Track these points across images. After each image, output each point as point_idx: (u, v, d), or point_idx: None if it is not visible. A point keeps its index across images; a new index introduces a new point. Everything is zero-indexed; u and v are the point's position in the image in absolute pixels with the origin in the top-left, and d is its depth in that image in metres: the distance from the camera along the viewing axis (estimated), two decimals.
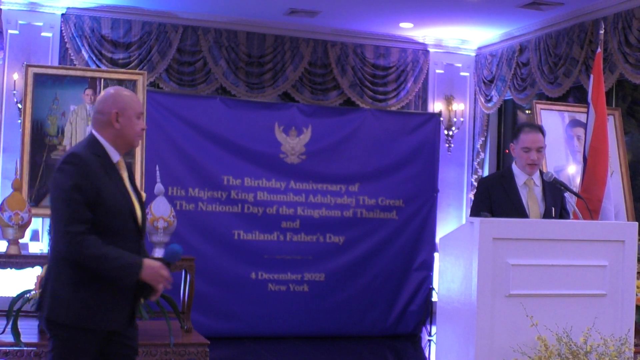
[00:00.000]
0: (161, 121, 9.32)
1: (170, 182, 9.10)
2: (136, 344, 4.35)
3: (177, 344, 6.47)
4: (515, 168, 5.76)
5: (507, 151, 11.58)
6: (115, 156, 4.26)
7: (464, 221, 10.80)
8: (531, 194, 5.69)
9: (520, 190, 5.68)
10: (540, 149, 5.67)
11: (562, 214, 5.78)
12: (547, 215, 5.60)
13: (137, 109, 4.30)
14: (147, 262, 4.11)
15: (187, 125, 9.51)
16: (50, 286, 4.11)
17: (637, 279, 6.17)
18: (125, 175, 4.31)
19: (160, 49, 10.74)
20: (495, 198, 5.66)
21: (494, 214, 5.41)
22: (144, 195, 4.39)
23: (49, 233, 7.69)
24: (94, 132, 4.27)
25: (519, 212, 5.55)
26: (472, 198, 5.92)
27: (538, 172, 5.74)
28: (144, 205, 4.38)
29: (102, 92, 4.39)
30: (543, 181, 5.69)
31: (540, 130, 5.81)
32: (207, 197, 9.54)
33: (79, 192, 4.02)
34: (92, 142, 4.22)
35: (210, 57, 10.95)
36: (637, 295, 6.47)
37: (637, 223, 5.06)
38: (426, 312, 10.34)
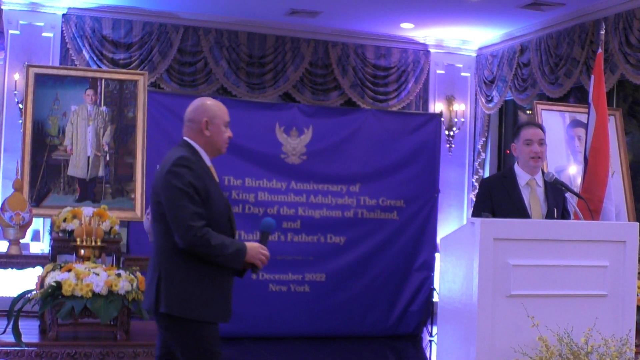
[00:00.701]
0: (162, 121, 9.32)
1: None
2: None
3: None
4: (517, 168, 5.75)
5: (507, 152, 11.59)
6: (207, 161, 4.66)
7: (464, 221, 10.80)
8: (533, 194, 5.67)
9: (522, 191, 5.66)
10: (542, 142, 5.67)
11: (564, 214, 5.76)
12: (549, 215, 5.59)
13: (225, 118, 4.72)
14: (248, 244, 4.58)
15: None
16: (165, 283, 4.45)
17: (638, 279, 6.18)
18: (216, 179, 4.68)
19: (161, 49, 10.75)
20: (497, 198, 5.65)
21: (495, 214, 5.41)
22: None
23: (50, 233, 7.70)
24: (186, 139, 4.68)
25: (521, 212, 5.53)
26: (474, 199, 5.90)
27: (540, 172, 5.73)
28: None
29: (192, 102, 4.88)
30: (545, 182, 5.67)
31: (540, 127, 5.83)
32: None
33: (196, 191, 4.41)
34: (188, 148, 4.62)
35: (211, 58, 10.96)
36: (638, 295, 6.48)
37: (638, 223, 5.05)
38: (427, 312, 10.34)
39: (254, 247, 4.59)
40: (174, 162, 4.46)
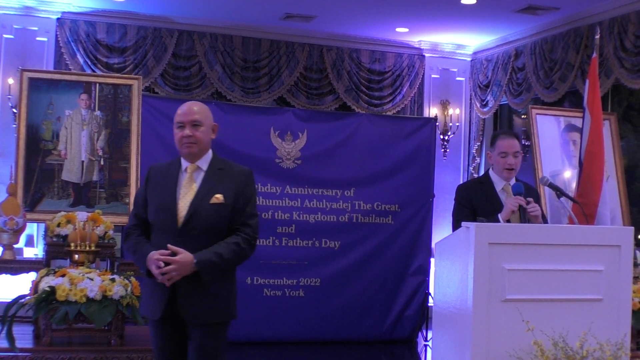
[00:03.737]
0: (156, 126, 9.29)
1: None
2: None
3: None
4: (492, 174, 5.91)
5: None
6: (184, 163, 4.80)
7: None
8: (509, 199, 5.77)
9: (499, 195, 5.82)
10: (516, 154, 5.83)
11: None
12: (523, 220, 5.65)
13: (176, 119, 4.86)
14: (150, 253, 4.54)
15: None
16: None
17: (633, 283, 6.17)
18: (194, 183, 4.73)
19: (155, 54, 10.74)
20: (476, 203, 5.79)
21: (477, 218, 5.46)
22: (218, 197, 4.69)
23: (44, 238, 7.68)
24: None
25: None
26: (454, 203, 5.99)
27: (514, 178, 5.85)
28: (206, 206, 4.66)
29: None
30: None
31: (516, 136, 5.98)
32: None
33: (142, 195, 4.82)
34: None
35: (206, 62, 10.96)
36: (633, 300, 6.48)
37: (633, 228, 5.06)
38: (422, 317, 10.33)
39: (150, 256, 4.53)
40: None
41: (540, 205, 5.94)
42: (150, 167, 4.95)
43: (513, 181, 5.85)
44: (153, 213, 4.70)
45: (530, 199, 5.64)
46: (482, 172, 11.77)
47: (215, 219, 4.64)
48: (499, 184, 5.84)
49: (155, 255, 4.49)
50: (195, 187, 4.70)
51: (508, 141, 5.82)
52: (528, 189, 5.88)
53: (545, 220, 5.92)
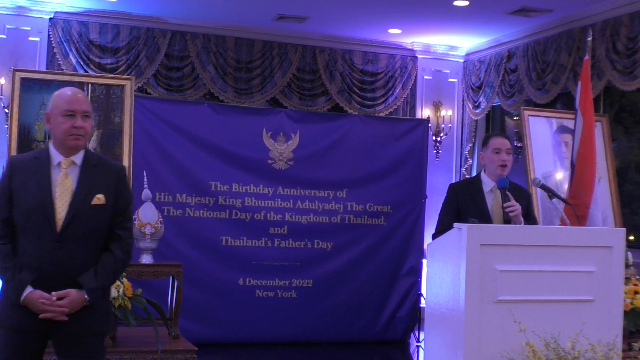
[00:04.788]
0: (149, 126, 9.29)
1: (158, 188, 9.06)
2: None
3: (164, 351, 6.44)
4: (483, 176, 5.94)
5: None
6: (56, 157, 4.29)
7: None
8: (496, 200, 5.82)
9: (486, 197, 5.85)
10: (509, 151, 5.88)
11: (528, 219, 5.85)
12: (509, 221, 5.67)
13: (63, 107, 4.28)
14: (29, 295, 4.15)
15: (175, 131, 9.47)
16: None
17: (625, 284, 6.19)
18: (69, 179, 4.28)
19: (148, 54, 10.73)
20: (462, 203, 5.84)
21: (461, 217, 5.52)
22: (99, 198, 4.27)
23: None
24: None
25: (484, 217, 5.67)
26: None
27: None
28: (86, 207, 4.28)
29: None
30: (500, 190, 5.80)
31: (508, 137, 6.03)
32: (195, 203, 9.51)
33: (2, 192, 4.27)
34: (45, 146, 4.36)
35: (199, 63, 10.95)
36: (624, 300, 6.49)
37: (624, 229, 5.08)
38: (414, 318, 10.34)
39: (33, 298, 4.12)
40: None
41: (532, 207, 5.96)
42: (11, 161, 4.37)
43: None
44: (23, 214, 4.20)
45: (510, 202, 5.66)
46: (474, 173, 11.79)
47: (97, 222, 4.27)
48: (488, 185, 5.87)
49: (40, 301, 4.11)
50: (71, 184, 4.26)
51: (501, 140, 5.89)
52: (519, 190, 5.92)
53: (532, 222, 5.93)
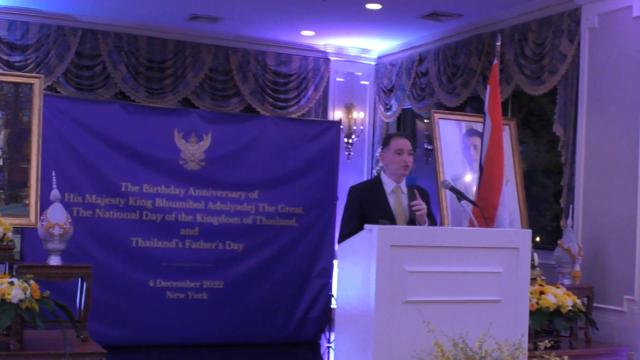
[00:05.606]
0: (59, 126, 9.15)
1: (67, 188, 8.94)
2: None
3: (73, 354, 6.34)
4: (384, 176, 5.94)
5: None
6: None
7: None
8: (398, 201, 5.85)
9: (388, 197, 5.85)
10: (410, 152, 5.89)
11: (429, 218, 5.90)
12: (412, 221, 5.73)
13: None
14: None
15: (86, 131, 9.35)
16: None
17: (531, 285, 6.32)
18: None
19: (58, 52, 10.55)
20: (366, 204, 5.81)
21: (366, 219, 5.50)
22: None
23: None
24: None
25: (388, 218, 5.62)
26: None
27: (404, 180, 5.89)
28: None
29: None
30: (408, 188, 5.84)
31: (409, 138, 6.04)
32: (104, 204, 9.40)
33: None
34: None
35: (110, 62, 10.81)
36: (530, 300, 6.63)
37: (530, 231, 5.19)
38: (326, 319, 10.38)
39: None
40: None
41: (431, 207, 5.99)
42: None
43: (403, 183, 5.89)
44: None
45: (418, 201, 5.71)
46: None
47: None
48: (389, 185, 5.87)
49: None
50: None
51: (402, 140, 5.88)
52: (420, 190, 5.92)
53: (432, 221, 5.98)
